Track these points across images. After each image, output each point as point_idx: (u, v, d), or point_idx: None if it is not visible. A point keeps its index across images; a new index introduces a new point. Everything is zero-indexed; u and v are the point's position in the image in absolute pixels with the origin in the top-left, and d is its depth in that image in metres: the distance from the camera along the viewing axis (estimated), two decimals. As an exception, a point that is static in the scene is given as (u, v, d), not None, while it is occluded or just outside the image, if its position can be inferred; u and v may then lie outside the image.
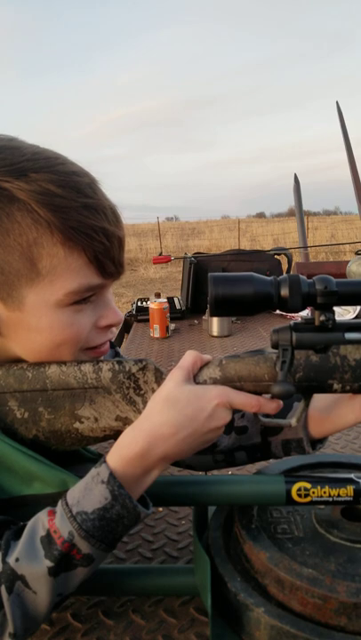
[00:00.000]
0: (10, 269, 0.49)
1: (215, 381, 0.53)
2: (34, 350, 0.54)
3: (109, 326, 0.57)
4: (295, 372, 0.52)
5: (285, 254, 2.26)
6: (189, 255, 2.16)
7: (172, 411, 0.49)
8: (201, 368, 0.54)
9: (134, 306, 2.18)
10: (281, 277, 0.50)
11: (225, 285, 0.50)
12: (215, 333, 1.83)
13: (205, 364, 0.54)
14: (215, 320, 1.81)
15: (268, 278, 0.51)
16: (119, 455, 0.49)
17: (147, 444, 0.48)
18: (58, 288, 0.50)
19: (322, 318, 0.50)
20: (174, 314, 2.05)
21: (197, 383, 0.53)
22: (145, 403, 0.53)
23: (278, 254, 2.25)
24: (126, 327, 2.08)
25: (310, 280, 0.50)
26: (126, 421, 0.54)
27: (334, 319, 0.50)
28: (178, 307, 2.13)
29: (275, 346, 0.52)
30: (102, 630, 0.55)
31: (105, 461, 0.49)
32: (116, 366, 0.54)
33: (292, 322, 0.52)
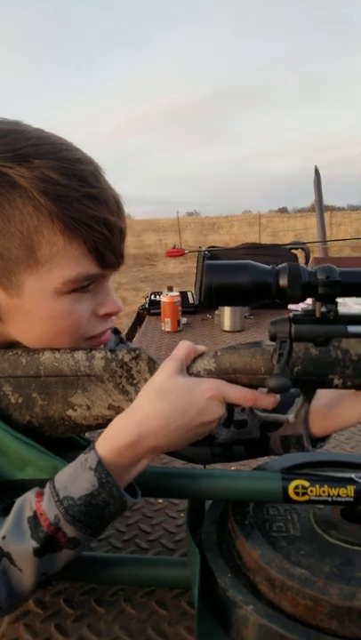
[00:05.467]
0: (9, 256, 0.49)
1: (209, 373, 0.52)
2: (34, 338, 0.54)
3: (108, 315, 0.56)
4: (293, 366, 0.50)
5: (303, 248, 2.23)
6: (204, 249, 2.14)
7: (162, 402, 0.48)
8: (195, 359, 0.53)
9: (147, 299, 2.17)
10: (281, 266, 0.49)
11: (220, 274, 0.49)
12: (227, 328, 1.81)
13: (200, 355, 0.53)
14: (227, 315, 1.79)
15: (267, 267, 0.50)
16: (108, 444, 0.48)
17: (136, 434, 0.47)
18: (56, 276, 0.50)
19: (323, 310, 0.48)
20: (187, 308, 2.03)
21: (191, 374, 0.52)
22: (138, 392, 0.52)
23: (295, 249, 2.22)
24: (139, 320, 2.07)
25: (312, 269, 0.48)
26: (119, 410, 0.53)
27: (336, 311, 0.48)
28: (191, 301, 2.12)
29: (273, 338, 0.50)
30: (93, 617, 0.55)
31: (94, 448, 0.48)
32: (109, 355, 0.53)
33: (291, 313, 0.50)
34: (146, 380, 0.52)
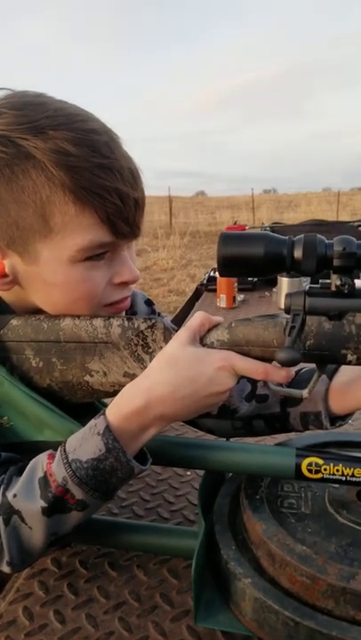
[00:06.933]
0: (24, 225, 0.51)
1: (222, 344, 0.51)
2: (52, 304, 0.56)
3: (125, 283, 0.57)
4: (305, 340, 0.48)
5: (371, 226, 2.11)
6: (266, 225, 2.09)
7: (171, 371, 0.48)
8: (209, 330, 0.52)
9: (206, 275, 2.17)
10: (297, 237, 0.47)
11: (234, 244, 0.48)
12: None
13: (214, 326, 0.52)
14: (285, 293, 1.75)
15: (283, 238, 0.48)
16: (117, 410, 0.49)
17: (144, 401, 0.48)
18: (70, 245, 0.51)
19: (338, 283, 0.46)
20: (245, 285, 2.01)
21: (204, 345, 0.52)
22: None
23: (363, 226, 2.11)
24: (197, 296, 2.07)
25: (330, 241, 0.46)
26: (134, 378, 0.54)
27: (352, 284, 0.46)
28: (250, 278, 2.08)
29: (287, 310, 0.48)
30: (105, 580, 0.56)
31: (104, 414, 0.49)
32: (126, 323, 0.54)
33: (308, 286, 0.48)
34: (161, 349, 0.53)
